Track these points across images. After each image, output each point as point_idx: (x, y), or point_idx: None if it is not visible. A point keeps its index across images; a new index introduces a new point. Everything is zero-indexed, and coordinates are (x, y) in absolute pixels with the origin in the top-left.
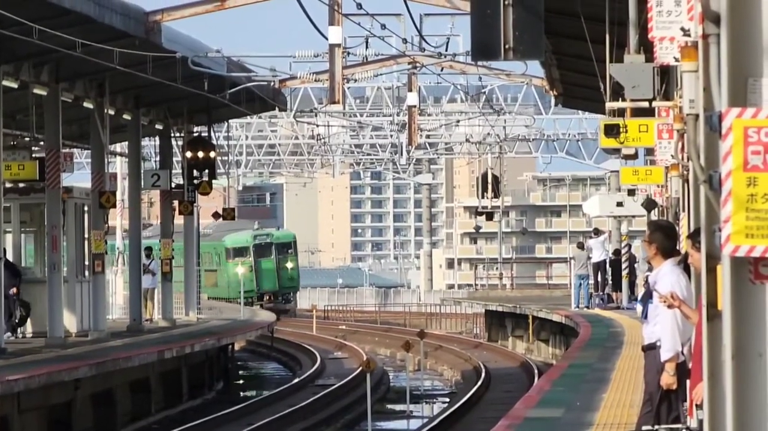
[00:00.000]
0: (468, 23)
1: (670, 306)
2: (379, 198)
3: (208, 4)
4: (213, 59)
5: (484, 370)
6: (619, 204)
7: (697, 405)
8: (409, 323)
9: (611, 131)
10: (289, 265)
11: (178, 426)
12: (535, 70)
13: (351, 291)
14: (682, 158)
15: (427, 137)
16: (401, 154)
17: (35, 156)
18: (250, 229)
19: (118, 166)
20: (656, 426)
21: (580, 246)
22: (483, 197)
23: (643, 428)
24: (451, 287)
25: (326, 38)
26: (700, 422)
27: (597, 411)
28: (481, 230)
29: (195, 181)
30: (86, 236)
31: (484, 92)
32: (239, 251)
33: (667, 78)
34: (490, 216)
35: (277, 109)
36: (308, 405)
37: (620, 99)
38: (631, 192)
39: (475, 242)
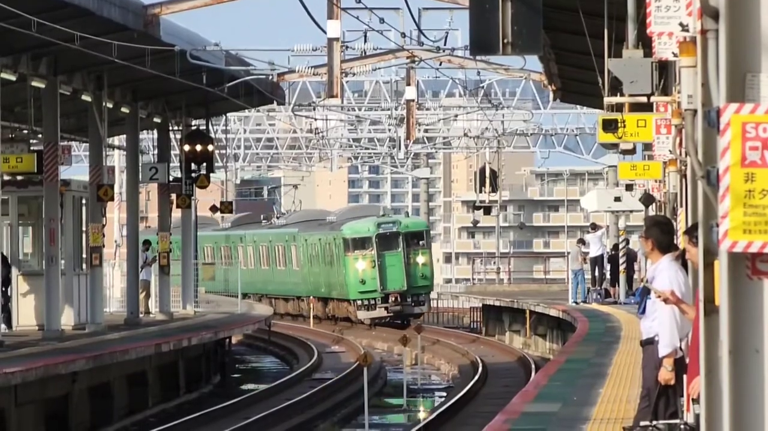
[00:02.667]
0: (467, 18)
1: (666, 302)
2: (376, 192)
3: None
4: (211, 53)
5: (481, 365)
6: (617, 199)
7: (693, 400)
8: None
9: (609, 126)
10: (421, 260)
11: (175, 419)
12: (534, 65)
13: None
14: (680, 154)
15: (425, 131)
16: (399, 148)
17: (33, 149)
18: (373, 215)
19: (116, 159)
20: (654, 422)
21: (581, 242)
22: (481, 192)
23: (641, 423)
24: (448, 281)
25: (325, 32)
26: (697, 416)
27: (594, 406)
28: (478, 225)
29: (193, 174)
30: (84, 229)
31: (483, 87)
32: (359, 243)
33: (665, 73)
34: (487, 211)
35: (275, 102)
36: (305, 399)
37: (618, 94)
38: (629, 187)
39: (473, 237)
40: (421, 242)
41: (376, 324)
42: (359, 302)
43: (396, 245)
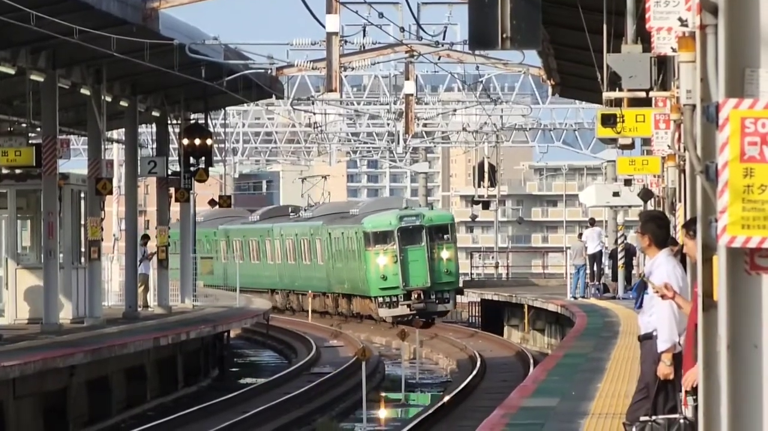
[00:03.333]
0: (466, 12)
1: (663, 297)
2: (375, 187)
3: None
4: (210, 47)
5: (479, 359)
6: (616, 194)
7: (687, 392)
8: None
9: (608, 120)
10: (446, 254)
11: (173, 413)
12: (533, 59)
13: None
14: (679, 149)
15: (424, 125)
16: (398, 142)
17: (32, 142)
18: (396, 208)
19: (115, 153)
20: (653, 416)
21: (580, 236)
22: (479, 186)
23: (641, 418)
24: None
25: (324, 26)
26: (694, 409)
27: (592, 401)
28: (477, 219)
29: (191, 168)
30: (82, 222)
31: (482, 81)
32: (381, 237)
33: (664, 68)
34: (486, 205)
35: (274, 97)
36: (303, 393)
37: (617, 89)
38: (628, 182)
39: (472, 231)
40: (445, 236)
41: (398, 323)
42: (380, 300)
43: (419, 239)
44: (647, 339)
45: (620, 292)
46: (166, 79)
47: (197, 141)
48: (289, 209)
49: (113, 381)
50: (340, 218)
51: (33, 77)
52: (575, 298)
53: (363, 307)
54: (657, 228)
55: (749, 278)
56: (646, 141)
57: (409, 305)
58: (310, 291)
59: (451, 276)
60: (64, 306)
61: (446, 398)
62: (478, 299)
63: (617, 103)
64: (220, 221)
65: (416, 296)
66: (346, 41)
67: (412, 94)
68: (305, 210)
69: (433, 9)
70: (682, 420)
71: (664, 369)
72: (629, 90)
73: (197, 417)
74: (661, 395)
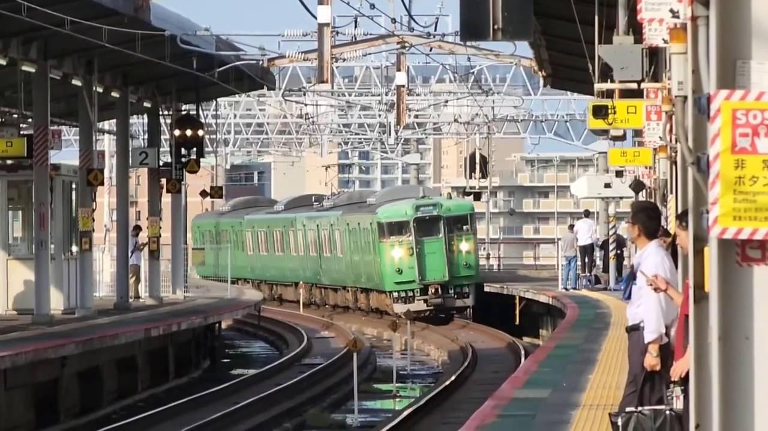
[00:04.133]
0: (457, 3)
1: (656, 290)
2: (367, 178)
3: None
4: (202, 38)
5: (471, 351)
6: (607, 185)
7: (674, 382)
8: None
9: (600, 112)
10: (465, 247)
11: (164, 404)
12: (524, 50)
13: None
14: (670, 140)
15: (416, 116)
16: (389, 134)
17: (23, 133)
18: (412, 197)
19: (106, 144)
20: (640, 408)
21: (572, 227)
22: (471, 178)
23: (627, 409)
24: None
25: (315, 17)
26: (679, 399)
27: (583, 392)
28: None
29: (183, 159)
30: (74, 213)
31: (473, 73)
32: (396, 228)
33: (655, 60)
34: (477, 196)
35: (265, 88)
36: (294, 384)
37: (609, 80)
38: (619, 173)
39: None
40: (464, 227)
41: (414, 319)
42: (395, 295)
43: (436, 231)
44: (635, 331)
45: (611, 283)
46: (157, 70)
47: (189, 132)
48: (313, 198)
49: (104, 372)
50: (357, 208)
51: (24, 68)
52: (566, 289)
53: (380, 302)
54: (648, 219)
55: (740, 269)
56: (638, 132)
57: (425, 301)
58: (302, 282)
59: (471, 270)
60: (55, 297)
61: (422, 401)
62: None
63: (609, 94)
64: (246, 211)
65: (433, 290)
66: (337, 32)
67: (403, 86)
68: (328, 199)
69: (424, 0)
70: (668, 412)
71: (651, 360)
72: (621, 81)
73: (188, 408)
74: (647, 386)
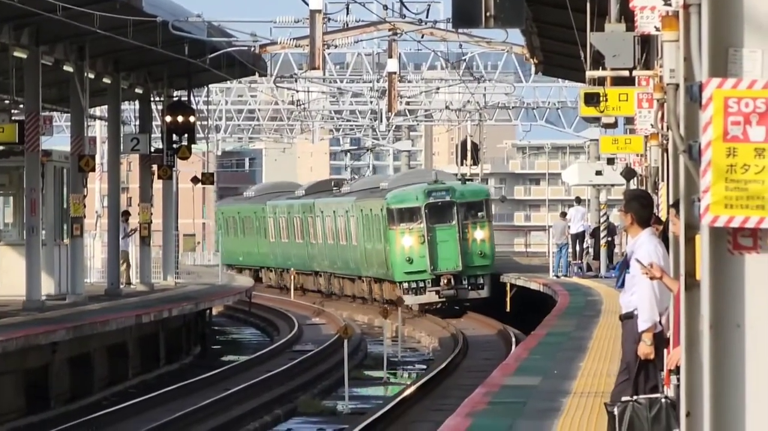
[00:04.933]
0: None
1: (652, 278)
2: (358, 165)
3: None
4: (193, 24)
5: (461, 338)
6: (599, 173)
7: (670, 370)
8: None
9: (591, 99)
10: (480, 235)
11: (155, 390)
12: (516, 38)
13: None
14: (662, 128)
15: (407, 103)
16: (381, 120)
17: (15, 119)
18: (423, 182)
19: (98, 130)
20: (635, 396)
21: (564, 215)
22: (462, 165)
23: (623, 398)
24: None
25: (307, 4)
26: (676, 388)
27: (574, 380)
28: None
29: (174, 145)
30: (65, 199)
31: (465, 60)
32: (406, 214)
33: (647, 47)
34: None
35: (257, 74)
36: (285, 370)
37: (601, 68)
38: (611, 161)
39: None
40: (479, 214)
41: (426, 311)
42: (405, 286)
43: (449, 217)
44: (628, 319)
45: (602, 271)
46: (149, 56)
47: (180, 118)
48: (333, 183)
49: (95, 358)
50: (370, 194)
51: (16, 54)
52: (558, 277)
53: (391, 293)
54: (640, 207)
55: (732, 257)
56: (629, 120)
57: (437, 292)
58: (293, 269)
59: (486, 259)
60: (46, 283)
61: (413, 388)
62: None
63: (600, 82)
64: (268, 196)
65: (446, 281)
66: (329, 19)
67: (395, 73)
68: (347, 184)
69: None
70: (663, 400)
71: (645, 349)
72: (612, 69)
73: (179, 394)
74: (641, 374)
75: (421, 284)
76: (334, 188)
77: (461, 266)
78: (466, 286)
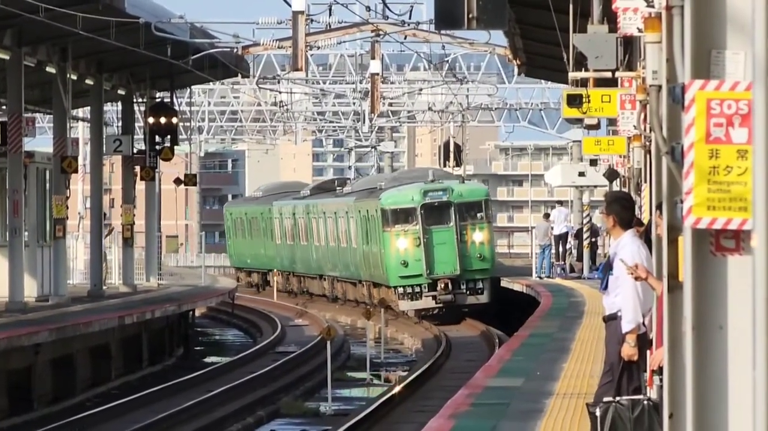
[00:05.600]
0: None
1: (637, 278)
2: (341, 166)
3: None
4: (176, 25)
5: (444, 339)
6: (581, 174)
7: (653, 371)
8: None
9: (574, 100)
10: (479, 237)
11: (138, 392)
12: (499, 39)
13: None
14: (645, 129)
15: (390, 104)
16: (364, 122)
17: None
18: (421, 181)
19: (80, 131)
20: (617, 398)
21: (547, 216)
22: (445, 166)
23: (605, 399)
24: None
25: (290, 5)
26: (659, 389)
27: (557, 381)
28: None
29: (157, 147)
30: (48, 201)
31: (447, 61)
32: (401, 215)
33: (630, 49)
34: None
35: (239, 75)
36: (268, 372)
37: (583, 69)
38: (593, 162)
39: None
40: (479, 215)
41: (423, 317)
42: (401, 290)
43: (447, 219)
44: (612, 320)
45: (585, 272)
46: (131, 57)
47: (163, 119)
48: (336, 183)
49: (78, 359)
50: (368, 194)
51: None
52: (541, 278)
53: (388, 298)
54: (622, 209)
55: (714, 259)
56: (612, 121)
57: (434, 297)
58: (275, 270)
59: (486, 262)
60: (28, 284)
61: (397, 388)
62: None
63: (583, 83)
64: (275, 196)
65: (443, 286)
66: (312, 20)
67: (377, 74)
68: (350, 183)
69: None
70: (646, 401)
71: (628, 350)
72: (595, 70)
73: (162, 395)
74: (624, 376)
75: (417, 289)
76: (338, 188)
77: (459, 270)
78: (464, 291)
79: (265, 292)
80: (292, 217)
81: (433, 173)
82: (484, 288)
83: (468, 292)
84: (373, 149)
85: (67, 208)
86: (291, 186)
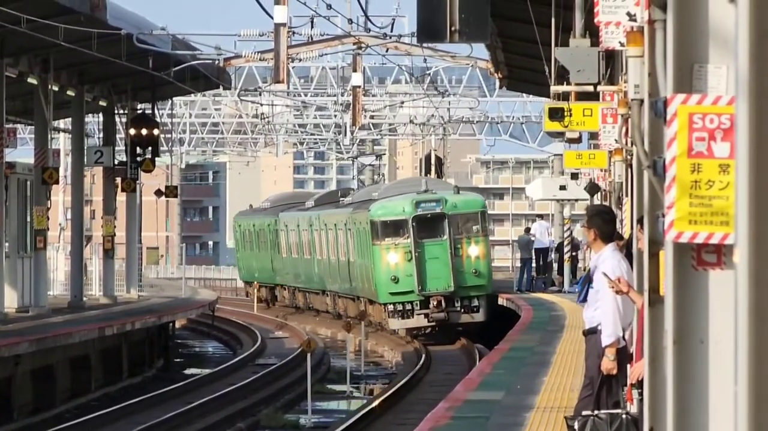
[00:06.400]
0: (414, 4)
1: (618, 292)
2: (322, 179)
3: None
4: (158, 37)
5: (424, 352)
6: (563, 188)
7: (632, 384)
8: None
9: (555, 114)
10: (474, 251)
11: (118, 403)
12: (480, 52)
13: None
14: (626, 143)
15: (371, 117)
16: (345, 134)
17: None
18: (413, 192)
19: (62, 142)
20: (596, 411)
21: (528, 230)
22: None
23: (583, 413)
24: None
25: (272, 17)
26: (639, 402)
27: (537, 395)
28: None
29: (138, 158)
30: (28, 212)
31: (429, 74)
32: (391, 228)
33: (612, 63)
34: None
35: (221, 87)
36: (248, 384)
37: (565, 83)
38: (575, 176)
39: None
40: (474, 228)
41: (415, 336)
42: (391, 308)
43: (440, 231)
44: (592, 334)
45: (566, 286)
46: (113, 68)
47: (144, 131)
48: (339, 194)
49: (58, 370)
50: (362, 205)
51: None
52: (521, 291)
53: (379, 315)
54: (603, 223)
55: (696, 273)
56: (594, 135)
57: (426, 316)
58: (255, 283)
59: (482, 279)
60: (9, 295)
61: (376, 402)
62: None
63: (565, 96)
64: (281, 207)
65: (435, 303)
66: (293, 32)
67: (359, 86)
68: (351, 194)
69: (381, 1)
70: (624, 415)
71: (608, 364)
72: (577, 84)
73: (142, 407)
74: (604, 389)
75: (408, 307)
76: (341, 199)
77: (453, 286)
78: (458, 308)
79: (244, 305)
80: (297, 229)
81: (427, 183)
82: (479, 306)
83: (462, 310)
84: (353, 161)
85: (48, 219)
86: (298, 197)
